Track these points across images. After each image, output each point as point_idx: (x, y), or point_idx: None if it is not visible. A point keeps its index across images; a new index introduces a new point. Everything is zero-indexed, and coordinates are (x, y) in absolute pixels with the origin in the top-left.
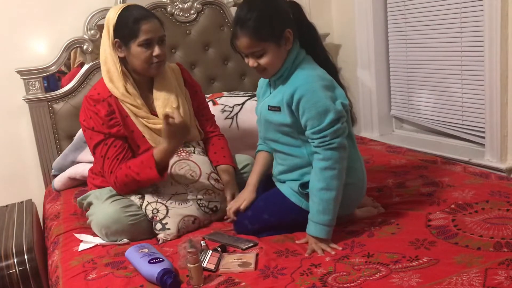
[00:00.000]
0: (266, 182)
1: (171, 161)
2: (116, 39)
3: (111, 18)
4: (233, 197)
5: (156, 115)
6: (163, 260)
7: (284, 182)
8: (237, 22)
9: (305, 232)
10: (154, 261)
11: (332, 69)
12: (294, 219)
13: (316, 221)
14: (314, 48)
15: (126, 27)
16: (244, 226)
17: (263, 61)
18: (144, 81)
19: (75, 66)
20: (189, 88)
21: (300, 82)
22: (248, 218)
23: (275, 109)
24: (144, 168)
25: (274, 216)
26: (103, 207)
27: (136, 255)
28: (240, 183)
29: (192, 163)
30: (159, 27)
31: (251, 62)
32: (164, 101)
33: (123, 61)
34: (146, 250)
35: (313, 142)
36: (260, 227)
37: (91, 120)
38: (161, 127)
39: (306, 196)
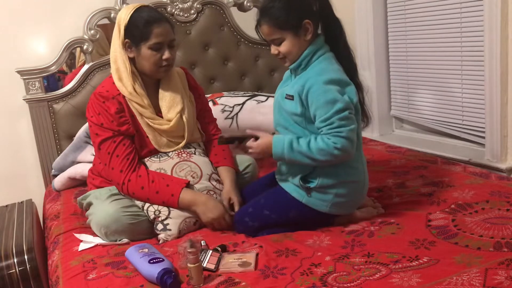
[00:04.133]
0: (269, 183)
1: (172, 163)
2: (126, 39)
3: (123, 18)
4: (238, 198)
5: (161, 116)
6: (163, 260)
7: (287, 179)
8: (260, 10)
9: (307, 231)
10: (154, 261)
11: (352, 69)
12: (295, 215)
13: (284, 146)
14: (337, 44)
15: (137, 29)
16: (245, 223)
17: (281, 49)
18: (151, 82)
19: (79, 64)
20: (193, 91)
21: (313, 73)
22: (249, 215)
23: (289, 97)
24: (167, 194)
25: (275, 212)
26: (103, 206)
27: (136, 255)
28: (242, 184)
29: (193, 164)
30: (170, 30)
31: (272, 49)
32: (170, 102)
33: (132, 61)
34: (146, 250)
35: (322, 131)
36: (260, 224)
37: (100, 116)
38: (166, 128)
39: (307, 190)
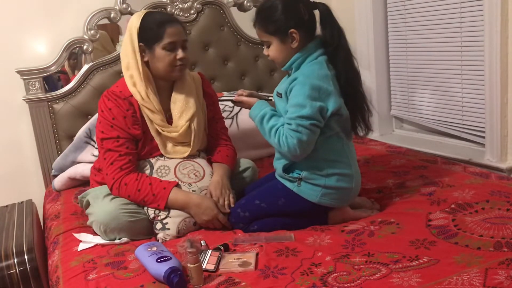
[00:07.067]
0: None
1: (176, 161)
2: (140, 43)
3: (134, 23)
4: (216, 192)
5: (172, 121)
6: (170, 258)
7: (280, 172)
8: (255, 12)
9: (302, 229)
10: (161, 259)
11: (354, 77)
12: (285, 203)
13: (258, 114)
14: (337, 52)
15: (151, 31)
16: (237, 214)
17: (269, 52)
18: (165, 86)
19: None
20: (207, 98)
21: (300, 74)
22: (241, 206)
23: (279, 95)
24: (153, 204)
25: (265, 201)
26: (102, 204)
27: (145, 254)
28: (240, 185)
29: (196, 164)
30: (182, 31)
31: (264, 50)
32: (182, 106)
33: (146, 65)
34: (155, 249)
35: (284, 126)
36: (252, 214)
37: (112, 111)
38: (174, 135)
39: (297, 180)
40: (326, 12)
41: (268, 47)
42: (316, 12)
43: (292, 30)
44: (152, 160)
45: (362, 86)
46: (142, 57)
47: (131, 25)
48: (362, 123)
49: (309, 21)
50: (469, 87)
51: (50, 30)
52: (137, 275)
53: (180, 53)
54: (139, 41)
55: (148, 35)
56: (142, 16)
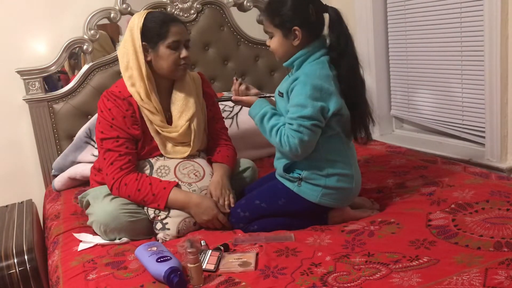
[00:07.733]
0: (269, 181)
1: (176, 161)
2: (143, 43)
3: (136, 22)
4: (216, 192)
5: (172, 121)
6: (170, 258)
7: (280, 172)
8: (267, 1)
9: (302, 229)
10: (161, 259)
11: (358, 84)
12: (285, 203)
13: (258, 113)
14: (342, 56)
15: (154, 29)
16: (237, 214)
17: (271, 43)
18: (165, 86)
19: None
20: (207, 98)
21: (302, 74)
22: (241, 206)
23: (280, 94)
24: (153, 204)
25: (265, 201)
26: (102, 204)
27: (145, 254)
28: (240, 185)
29: (196, 164)
30: (185, 30)
31: (267, 40)
32: (182, 106)
33: (148, 64)
34: (155, 249)
35: (285, 125)
36: (252, 214)
37: (111, 111)
38: (174, 135)
39: (298, 180)
40: (336, 17)
41: (271, 38)
42: (326, 16)
43: (296, 27)
44: (152, 160)
45: (366, 94)
46: (145, 56)
47: (133, 24)
48: (364, 131)
49: (316, 23)
50: (469, 87)
51: (50, 30)
52: (137, 275)
53: (184, 52)
54: (142, 41)
55: (152, 34)
56: (145, 15)
